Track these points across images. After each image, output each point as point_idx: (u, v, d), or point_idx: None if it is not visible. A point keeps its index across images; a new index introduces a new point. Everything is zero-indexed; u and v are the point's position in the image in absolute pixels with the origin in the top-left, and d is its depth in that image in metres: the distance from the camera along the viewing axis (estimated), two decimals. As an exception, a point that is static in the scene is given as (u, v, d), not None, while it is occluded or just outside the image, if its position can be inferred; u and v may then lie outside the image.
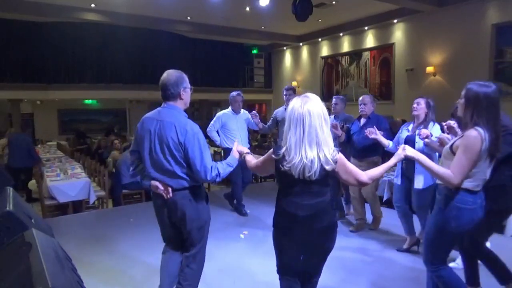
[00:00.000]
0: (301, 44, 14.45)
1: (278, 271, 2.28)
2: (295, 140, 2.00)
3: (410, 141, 3.74)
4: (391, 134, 4.35)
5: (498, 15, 8.69)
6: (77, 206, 5.83)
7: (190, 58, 14.41)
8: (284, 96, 5.47)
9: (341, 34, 12.66)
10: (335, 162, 2.03)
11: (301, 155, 1.98)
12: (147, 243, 4.31)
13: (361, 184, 2.18)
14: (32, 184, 6.88)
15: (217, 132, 5.41)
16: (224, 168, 2.50)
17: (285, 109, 5.40)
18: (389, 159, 2.36)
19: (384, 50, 11.51)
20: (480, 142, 2.16)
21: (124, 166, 6.34)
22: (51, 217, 5.54)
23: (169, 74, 2.48)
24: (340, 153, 2.08)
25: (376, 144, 4.14)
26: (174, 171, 2.42)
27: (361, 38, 12.17)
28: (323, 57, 13.79)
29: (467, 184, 2.27)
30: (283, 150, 2.04)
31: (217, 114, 5.55)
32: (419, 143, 3.58)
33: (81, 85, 12.96)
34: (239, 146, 2.66)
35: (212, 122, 5.45)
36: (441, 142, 2.92)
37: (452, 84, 9.41)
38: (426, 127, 3.68)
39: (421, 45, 10.35)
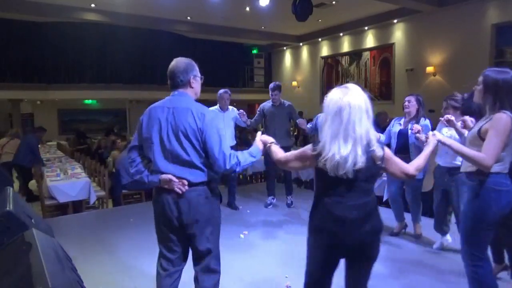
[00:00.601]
0: (301, 44, 14.45)
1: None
2: (330, 134, 1.85)
3: (402, 135, 4.04)
4: (380, 130, 4.57)
5: (498, 15, 8.69)
6: (77, 206, 5.82)
7: (190, 58, 14.38)
8: (271, 96, 5.53)
9: (341, 34, 12.67)
10: (381, 158, 1.89)
11: (334, 151, 1.82)
12: (147, 243, 4.30)
13: (408, 176, 2.02)
14: (32, 184, 6.89)
15: None
16: (245, 157, 2.24)
17: (272, 104, 5.55)
18: None
19: (384, 50, 11.51)
20: (511, 124, 2.19)
21: (122, 166, 6.34)
22: (51, 217, 5.54)
23: (178, 62, 2.34)
24: (386, 148, 1.97)
25: None
26: (192, 161, 2.18)
27: (361, 38, 12.17)
28: (323, 57, 13.80)
29: (497, 168, 2.26)
30: (320, 144, 1.88)
31: None
32: (412, 137, 3.77)
33: (81, 85, 12.97)
34: (263, 135, 2.40)
35: None
36: (465, 125, 2.91)
37: (452, 84, 9.41)
38: (418, 122, 3.91)
39: (421, 45, 10.35)
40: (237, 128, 5.96)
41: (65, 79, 12.84)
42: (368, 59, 12.10)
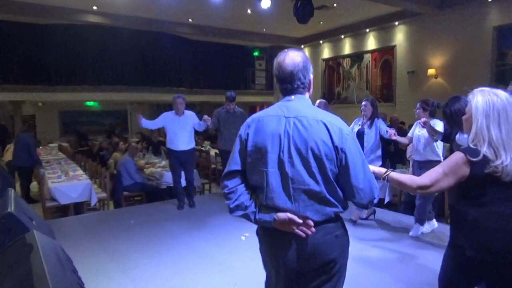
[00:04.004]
0: (302, 46, 14.45)
1: None
2: (502, 136, 1.72)
3: (361, 133, 4.79)
4: None
5: (500, 17, 8.69)
6: (78, 207, 5.82)
7: (191, 60, 14.43)
8: (228, 105, 5.92)
9: (342, 36, 12.67)
10: None
11: (509, 153, 1.70)
12: (148, 245, 4.31)
13: None
14: (34, 186, 6.90)
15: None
16: None
17: (226, 111, 5.94)
18: None
19: (386, 52, 11.51)
20: None
21: (124, 168, 6.35)
22: (52, 219, 5.54)
23: (293, 58, 1.70)
24: None
25: None
26: (322, 193, 1.60)
27: (362, 40, 12.18)
28: (324, 59, 13.81)
29: None
30: (484, 149, 1.72)
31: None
32: (369, 135, 4.74)
33: (82, 87, 12.96)
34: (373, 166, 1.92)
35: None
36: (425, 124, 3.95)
37: (453, 86, 9.40)
38: (373, 122, 4.78)
39: (422, 48, 10.35)
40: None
41: (67, 81, 12.82)
42: (369, 61, 12.10)
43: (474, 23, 9.07)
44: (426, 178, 1.81)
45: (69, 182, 5.76)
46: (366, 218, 5.03)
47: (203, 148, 9.80)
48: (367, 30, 11.76)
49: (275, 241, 1.69)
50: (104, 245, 4.36)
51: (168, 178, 6.67)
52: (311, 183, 1.59)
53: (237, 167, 1.72)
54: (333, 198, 1.62)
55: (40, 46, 12.22)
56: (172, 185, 6.51)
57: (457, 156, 1.77)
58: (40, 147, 11.56)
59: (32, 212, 2.40)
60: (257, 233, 1.83)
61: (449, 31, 9.59)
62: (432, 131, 3.99)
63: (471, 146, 1.78)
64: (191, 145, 5.77)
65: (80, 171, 6.73)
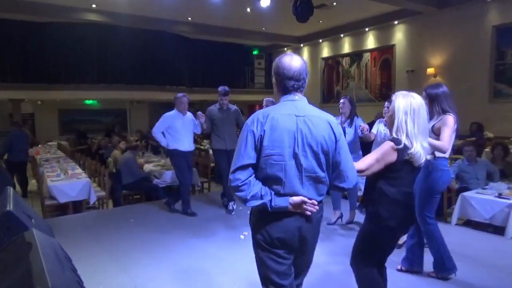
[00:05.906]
0: (301, 45, 14.46)
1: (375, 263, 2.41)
2: (414, 129, 2.22)
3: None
4: None
5: (499, 16, 8.70)
6: (77, 206, 5.82)
7: (190, 59, 14.42)
8: (221, 100, 5.53)
9: (341, 35, 12.68)
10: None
11: (419, 143, 2.21)
12: (147, 244, 4.32)
13: None
14: (32, 184, 6.89)
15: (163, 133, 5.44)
16: None
17: (219, 108, 5.55)
18: None
19: (385, 51, 11.52)
20: (454, 122, 3.10)
21: (126, 166, 6.35)
22: (51, 217, 5.54)
23: (298, 59, 1.96)
24: None
25: None
26: (324, 178, 1.93)
27: (361, 39, 12.18)
28: (323, 58, 13.81)
29: (442, 153, 3.11)
30: (403, 139, 2.22)
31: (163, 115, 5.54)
32: (349, 134, 4.66)
33: (82, 85, 12.94)
34: None
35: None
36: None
37: (453, 85, 9.35)
38: (352, 120, 4.76)
39: (421, 47, 10.36)
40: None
41: (66, 79, 12.80)
42: (368, 60, 12.11)
43: (473, 22, 9.08)
44: (362, 163, 2.24)
45: (68, 181, 5.75)
46: (334, 223, 4.87)
47: (202, 147, 9.81)
48: (367, 29, 11.76)
49: (284, 223, 1.90)
50: (103, 243, 4.36)
51: (167, 177, 6.68)
52: (319, 171, 1.90)
53: (250, 160, 1.86)
54: (328, 181, 1.97)
55: (39, 44, 12.20)
56: (171, 184, 6.51)
57: (388, 145, 2.25)
58: (39, 146, 11.55)
59: (31, 210, 2.40)
60: (250, 220, 2.04)
61: (449, 30, 9.60)
62: None
63: (395, 136, 2.25)
64: (193, 147, 5.69)
65: (79, 170, 6.72)
